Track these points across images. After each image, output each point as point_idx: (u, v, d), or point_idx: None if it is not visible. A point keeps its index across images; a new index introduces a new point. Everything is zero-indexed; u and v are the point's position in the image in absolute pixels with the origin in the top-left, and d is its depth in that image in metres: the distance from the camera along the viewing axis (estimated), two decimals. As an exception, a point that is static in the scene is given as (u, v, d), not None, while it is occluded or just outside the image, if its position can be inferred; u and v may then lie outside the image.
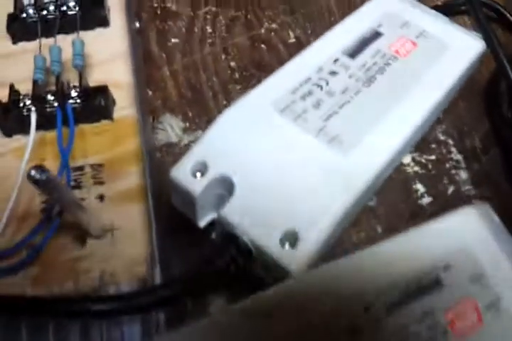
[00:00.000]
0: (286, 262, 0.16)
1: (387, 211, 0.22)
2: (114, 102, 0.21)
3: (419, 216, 0.22)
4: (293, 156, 0.18)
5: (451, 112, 0.25)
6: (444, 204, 0.22)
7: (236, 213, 0.16)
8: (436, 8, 0.26)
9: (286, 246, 0.16)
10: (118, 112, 0.21)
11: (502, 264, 0.17)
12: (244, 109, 0.19)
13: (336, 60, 0.21)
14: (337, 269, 0.15)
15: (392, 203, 0.22)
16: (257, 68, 0.26)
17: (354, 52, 0.21)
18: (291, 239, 0.16)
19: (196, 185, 0.17)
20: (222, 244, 0.17)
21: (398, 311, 0.16)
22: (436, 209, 0.22)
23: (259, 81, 0.26)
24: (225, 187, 0.17)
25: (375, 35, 0.22)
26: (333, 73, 0.20)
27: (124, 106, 0.21)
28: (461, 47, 0.22)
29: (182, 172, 0.17)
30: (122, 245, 0.18)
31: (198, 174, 0.17)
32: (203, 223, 0.18)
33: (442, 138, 0.24)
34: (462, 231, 0.18)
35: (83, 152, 0.20)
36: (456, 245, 0.17)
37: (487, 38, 0.23)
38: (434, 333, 0.15)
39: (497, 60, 0.23)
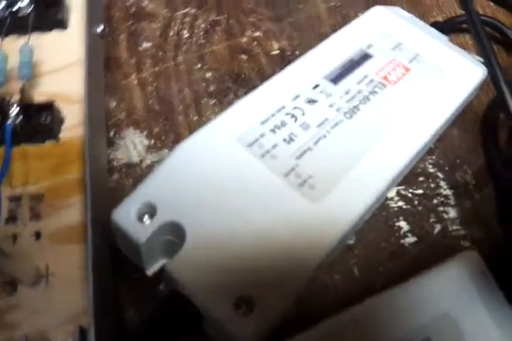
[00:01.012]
0: (239, 331, 0.14)
1: (367, 250, 0.20)
2: (61, 121, 0.18)
3: (400, 257, 0.20)
4: (256, 202, 0.15)
5: (444, 141, 0.22)
6: (428, 246, 0.20)
7: (183, 269, 0.14)
8: (436, 25, 0.24)
9: (241, 311, 0.14)
10: (65, 132, 0.18)
11: (485, 327, 0.16)
12: (204, 142, 0.16)
13: (316, 86, 0.18)
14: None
15: (373, 242, 0.20)
16: (234, 81, 0.24)
17: (337, 77, 0.19)
18: (247, 304, 0.14)
19: (141, 231, 0.15)
20: (168, 302, 0.15)
21: None
22: (420, 250, 0.20)
23: (236, 96, 0.23)
24: (176, 234, 0.15)
25: (364, 57, 0.19)
26: (311, 101, 0.18)
27: (73, 124, 0.18)
28: (459, 74, 0.20)
29: (125, 216, 0.15)
30: (58, 295, 0.15)
31: (145, 217, 0.15)
32: (151, 271, 0.16)
33: (432, 170, 0.22)
34: (445, 294, 0.16)
35: (24, 178, 0.17)
36: (438, 311, 0.16)
37: (488, 65, 0.21)
38: None
39: (498, 90, 0.21)
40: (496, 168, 0.22)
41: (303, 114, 0.18)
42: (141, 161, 0.21)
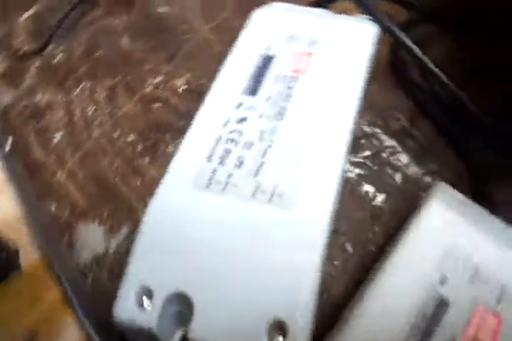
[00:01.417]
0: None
1: (349, 225, 0.20)
2: (17, 250, 0.17)
3: (381, 218, 0.20)
4: (240, 235, 0.15)
5: (367, 100, 0.22)
6: (400, 195, 0.21)
7: (207, 331, 0.13)
8: (315, 4, 0.24)
9: (278, 339, 0.13)
10: (25, 258, 0.17)
11: (488, 248, 0.16)
12: (164, 206, 0.16)
13: (239, 105, 0.18)
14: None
15: (350, 215, 0.20)
16: (157, 131, 0.23)
17: (253, 89, 0.18)
18: (279, 329, 0.13)
19: (148, 317, 0.14)
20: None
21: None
22: (393, 204, 0.21)
23: (166, 144, 0.23)
24: (182, 302, 0.14)
25: (268, 60, 0.19)
26: (241, 120, 0.17)
27: (29, 248, 0.17)
28: (356, 38, 0.20)
29: (126, 310, 0.14)
30: None
31: (145, 301, 0.14)
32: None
33: (368, 129, 0.23)
34: (439, 232, 0.16)
35: (5, 322, 0.16)
36: (439, 251, 0.16)
37: (376, 19, 0.21)
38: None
39: (392, 35, 0.22)
40: (424, 104, 0.23)
41: (241, 135, 0.17)
42: (106, 250, 0.20)
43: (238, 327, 0.13)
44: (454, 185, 0.18)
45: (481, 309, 0.15)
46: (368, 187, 0.21)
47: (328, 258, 0.18)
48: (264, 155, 0.16)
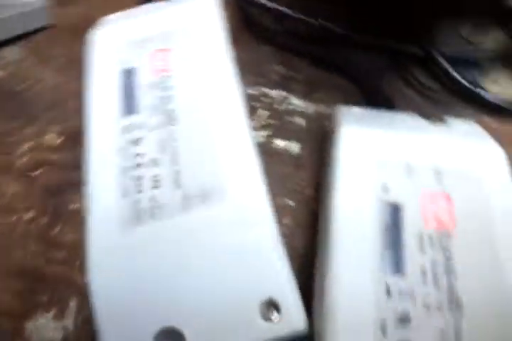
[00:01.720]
0: (289, 330, 0.13)
1: (280, 183, 0.20)
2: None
3: (304, 164, 0.21)
4: (194, 247, 0.14)
5: (238, 65, 0.22)
6: (311, 137, 0.21)
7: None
8: (142, 2, 0.23)
9: (273, 315, 0.13)
10: None
11: (408, 141, 0.17)
12: (103, 258, 0.14)
13: (125, 128, 0.16)
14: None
15: (276, 174, 0.20)
16: (54, 195, 0.21)
17: (130, 107, 0.17)
18: (271, 305, 0.13)
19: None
20: None
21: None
22: (309, 146, 0.21)
23: (70, 203, 0.20)
24: (171, 336, 0.13)
25: (130, 73, 0.18)
26: (135, 142, 0.16)
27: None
28: (201, 14, 0.19)
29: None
30: None
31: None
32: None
33: (252, 91, 0.23)
34: (360, 151, 0.17)
35: None
36: (369, 165, 0.16)
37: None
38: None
39: None
40: (289, 45, 0.24)
41: (143, 156, 0.15)
42: (65, 331, 0.17)
43: (231, 318, 0.13)
44: (352, 102, 0.19)
45: (427, 194, 0.15)
46: (279, 142, 0.21)
47: (278, 220, 0.18)
48: (175, 163, 0.15)
